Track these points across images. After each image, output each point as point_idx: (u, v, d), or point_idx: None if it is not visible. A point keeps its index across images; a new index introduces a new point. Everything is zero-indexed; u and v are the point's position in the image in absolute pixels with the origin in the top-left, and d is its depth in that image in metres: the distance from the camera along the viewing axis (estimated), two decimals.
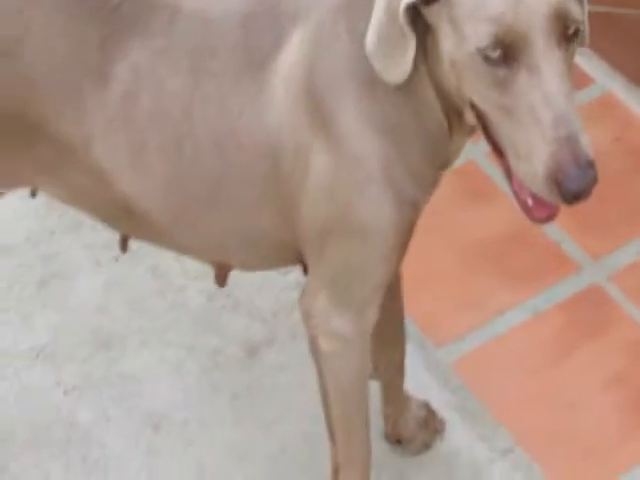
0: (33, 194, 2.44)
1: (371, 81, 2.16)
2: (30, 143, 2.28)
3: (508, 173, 2.08)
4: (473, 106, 2.09)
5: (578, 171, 1.94)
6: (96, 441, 2.88)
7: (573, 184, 1.93)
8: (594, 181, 1.96)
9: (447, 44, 2.05)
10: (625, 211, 3.32)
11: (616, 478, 2.87)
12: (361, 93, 2.18)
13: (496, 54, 1.96)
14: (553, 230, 3.25)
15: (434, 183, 2.31)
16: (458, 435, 2.90)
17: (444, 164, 2.29)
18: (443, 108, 2.19)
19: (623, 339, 3.08)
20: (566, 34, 1.97)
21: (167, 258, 2.76)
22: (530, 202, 2.08)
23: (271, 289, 2.87)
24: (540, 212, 2.09)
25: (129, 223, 2.42)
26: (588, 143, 1.96)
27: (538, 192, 2.00)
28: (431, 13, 2.04)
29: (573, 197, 1.95)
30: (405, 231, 2.29)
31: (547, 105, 1.95)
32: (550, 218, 2.10)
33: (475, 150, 2.77)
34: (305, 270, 2.42)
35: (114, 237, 2.51)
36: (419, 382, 2.93)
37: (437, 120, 2.20)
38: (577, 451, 2.90)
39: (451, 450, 2.87)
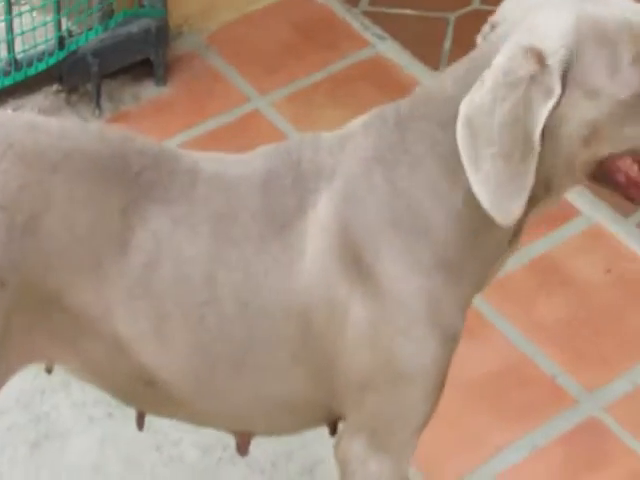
0: (49, 370, 2.43)
1: (419, 227, 2.21)
2: (46, 314, 2.27)
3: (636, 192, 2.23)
4: (605, 160, 2.18)
5: None
6: None
7: None
8: None
9: (584, 119, 2.11)
10: (618, 342, 3.37)
11: None
12: (405, 241, 2.21)
13: None
14: (548, 364, 3.30)
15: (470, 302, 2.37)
16: None
17: (487, 283, 2.38)
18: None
19: (623, 471, 3.11)
20: None
21: None
22: None
23: (267, 439, 2.90)
24: None
25: (147, 396, 2.42)
26: None
27: None
28: (556, 108, 2.11)
29: None
30: (447, 367, 2.33)
31: None
32: None
33: None
34: (332, 429, 2.46)
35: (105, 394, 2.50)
36: None
37: (504, 235, 2.26)
38: None
39: None
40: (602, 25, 2.11)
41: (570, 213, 3.59)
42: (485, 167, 2.10)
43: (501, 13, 2.20)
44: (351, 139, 2.29)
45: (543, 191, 2.21)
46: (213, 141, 3.59)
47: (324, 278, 2.24)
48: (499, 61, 2.08)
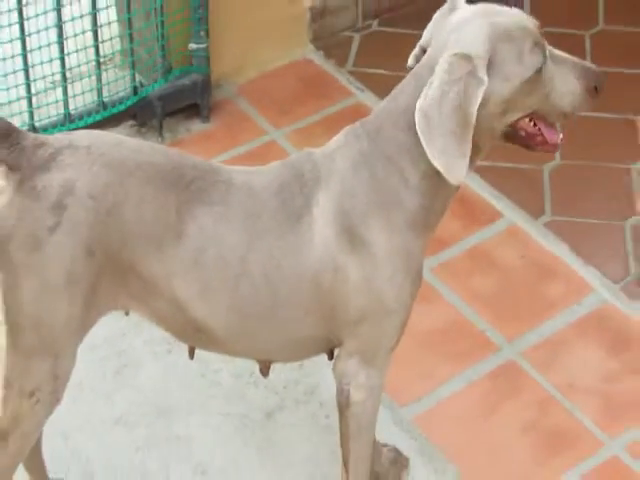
0: (126, 314, 2.43)
1: (392, 204, 2.29)
2: (125, 279, 2.28)
3: (537, 140, 2.36)
4: (513, 123, 2.30)
5: (596, 74, 2.30)
6: None
7: (601, 80, 2.29)
8: (604, 78, 2.30)
9: (502, 96, 2.22)
10: (530, 306, 3.38)
11: None
12: (384, 216, 2.28)
13: (543, 63, 2.24)
14: (479, 322, 3.32)
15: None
16: (418, 470, 2.92)
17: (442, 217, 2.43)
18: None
19: (533, 398, 3.13)
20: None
21: None
22: (559, 136, 2.37)
23: (280, 369, 2.91)
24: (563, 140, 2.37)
25: (197, 338, 2.42)
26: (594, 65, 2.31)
27: (581, 105, 2.31)
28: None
29: (601, 87, 2.29)
30: (416, 294, 2.41)
31: (566, 62, 2.29)
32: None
33: None
34: (330, 355, 2.48)
35: (167, 334, 2.51)
36: (389, 433, 2.96)
37: (449, 195, 2.36)
38: (505, 477, 2.95)
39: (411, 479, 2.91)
40: (507, 29, 2.22)
41: (495, 216, 3.60)
42: (438, 143, 2.16)
43: (426, 38, 2.33)
44: (338, 151, 2.33)
45: (474, 152, 2.24)
46: (242, 161, 3.58)
47: (328, 252, 2.28)
48: (441, 67, 2.17)
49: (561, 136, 2.35)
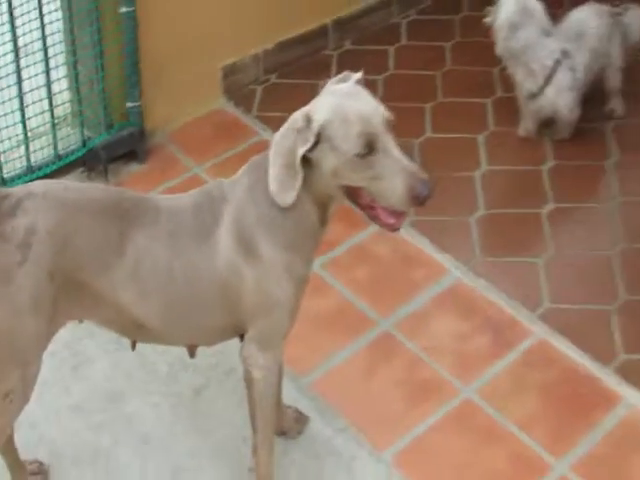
0: (81, 322, 2.44)
1: (274, 222, 2.27)
2: (79, 295, 2.29)
3: (374, 213, 2.23)
4: (347, 188, 2.21)
5: (424, 185, 2.13)
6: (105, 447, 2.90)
7: (423, 191, 2.12)
8: (431, 190, 2.13)
9: (330, 163, 2.16)
10: (398, 292, 3.41)
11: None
12: (269, 230, 2.28)
13: (365, 151, 2.12)
14: (360, 305, 3.34)
15: (312, 264, 2.42)
16: (316, 423, 2.95)
17: (317, 249, 2.39)
18: (317, 212, 2.29)
19: (404, 360, 3.16)
20: (391, 126, 2.17)
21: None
22: (392, 220, 2.22)
23: (205, 355, 2.89)
24: (399, 222, 2.24)
25: (138, 334, 2.44)
26: (424, 173, 2.15)
27: (401, 206, 2.17)
28: (315, 152, 2.16)
29: (424, 199, 2.14)
30: (301, 298, 2.41)
31: (398, 162, 2.13)
32: (402, 223, 2.26)
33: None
34: (241, 338, 2.48)
35: (114, 335, 2.52)
36: (292, 398, 2.97)
37: (314, 223, 2.30)
38: (384, 422, 2.98)
39: (311, 432, 2.94)
40: (346, 112, 2.16)
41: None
42: (274, 172, 2.19)
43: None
44: (239, 180, 2.35)
45: (326, 197, 2.27)
46: (172, 192, 3.44)
47: (231, 259, 2.31)
48: (291, 118, 2.20)
49: (393, 221, 2.23)
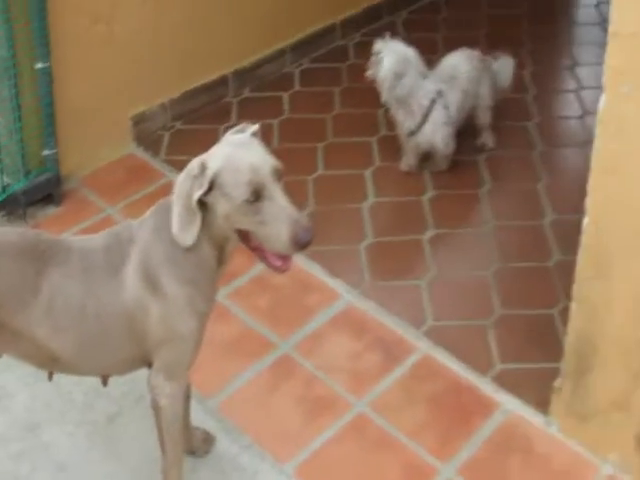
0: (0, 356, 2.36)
1: (177, 260, 2.22)
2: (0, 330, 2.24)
3: (263, 256, 2.20)
4: (239, 232, 2.17)
5: (306, 232, 2.09)
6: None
7: (305, 237, 2.09)
8: (313, 237, 2.10)
9: (222, 208, 2.12)
10: (297, 312, 3.35)
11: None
12: (172, 268, 2.23)
13: (252, 198, 2.09)
14: (261, 329, 3.27)
15: (214, 298, 2.37)
16: (223, 442, 2.86)
17: (217, 285, 2.35)
18: (215, 252, 2.24)
19: (303, 379, 3.09)
20: (279, 176, 2.14)
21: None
22: (279, 263, 2.19)
23: (118, 384, 2.78)
24: (285, 264, 2.20)
25: (54, 366, 2.37)
26: (307, 220, 2.12)
27: (285, 251, 2.13)
28: (209, 197, 2.13)
29: (305, 245, 2.11)
30: (203, 331, 2.35)
31: (283, 210, 2.09)
32: (289, 266, 2.22)
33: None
34: (150, 367, 2.41)
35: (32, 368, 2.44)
36: (200, 420, 2.88)
37: (213, 262, 2.25)
38: (284, 437, 2.91)
39: (218, 451, 2.85)
40: (237, 160, 2.14)
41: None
42: (176, 213, 2.15)
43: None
44: (146, 220, 2.29)
45: (222, 238, 2.23)
46: (87, 233, 3.42)
47: (137, 294, 2.25)
48: (189, 165, 2.17)
49: (279, 264, 2.20)
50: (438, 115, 3.87)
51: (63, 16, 3.70)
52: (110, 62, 4.02)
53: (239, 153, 2.17)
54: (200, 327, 2.33)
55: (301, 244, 2.11)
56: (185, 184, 2.16)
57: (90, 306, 2.25)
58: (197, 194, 2.13)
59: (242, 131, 2.29)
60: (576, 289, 2.63)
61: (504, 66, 4.19)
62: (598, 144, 2.38)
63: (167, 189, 2.27)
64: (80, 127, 3.97)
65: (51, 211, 3.87)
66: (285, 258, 2.21)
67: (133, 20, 4.04)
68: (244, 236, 2.21)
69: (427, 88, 3.85)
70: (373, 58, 3.82)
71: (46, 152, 3.83)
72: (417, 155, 4.03)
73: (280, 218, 2.10)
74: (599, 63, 2.30)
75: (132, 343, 2.32)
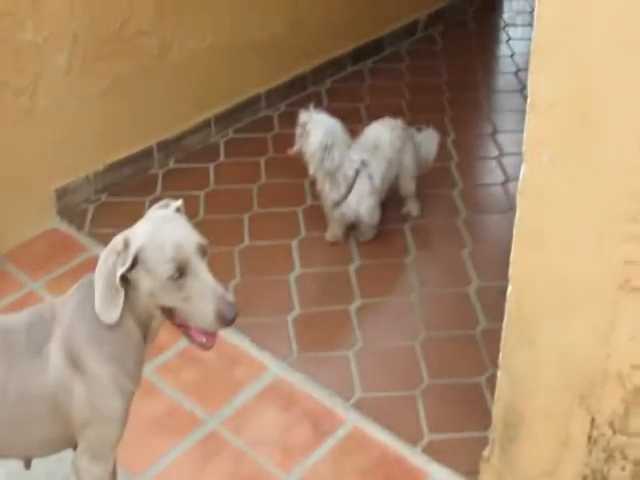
0: None
1: (101, 338, 2.20)
2: None
3: (188, 333, 2.19)
4: (163, 308, 2.15)
5: (231, 308, 2.08)
6: None
7: (230, 314, 2.08)
8: (237, 313, 2.09)
9: (146, 284, 2.11)
10: (225, 386, 3.30)
11: None
12: (96, 346, 2.20)
13: (176, 275, 2.08)
14: (188, 404, 3.22)
15: (140, 376, 2.32)
16: None
17: (143, 363, 2.32)
18: (140, 330, 2.22)
19: (230, 455, 3.02)
20: (204, 252, 2.14)
21: None
22: (204, 339, 2.18)
23: (44, 463, 2.65)
24: (210, 341, 2.19)
25: None
26: (231, 296, 2.14)
27: (210, 327, 2.13)
28: (133, 273, 2.12)
29: (230, 321, 2.10)
30: (128, 410, 2.31)
31: (207, 286, 2.10)
32: (214, 342, 2.21)
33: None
34: (75, 448, 2.37)
35: None
36: None
37: (138, 340, 2.23)
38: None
39: None
40: (160, 236, 2.13)
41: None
42: (98, 291, 2.13)
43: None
44: (70, 297, 2.27)
45: (146, 315, 2.21)
46: (9, 309, 3.50)
47: (60, 374, 2.21)
48: (112, 241, 2.16)
49: (204, 340, 2.20)
50: (362, 185, 3.89)
51: None
52: (33, 134, 3.99)
53: (163, 229, 2.16)
54: (125, 406, 2.32)
55: (226, 321, 2.11)
56: (108, 261, 2.15)
57: (11, 386, 2.20)
58: (120, 270, 2.12)
59: (166, 206, 2.29)
60: (502, 357, 2.64)
61: (428, 139, 4.24)
62: (520, 214, 2.41)
63: (92, 263, 2.24)
64: (2, 200, 3.94)
65: None
66: (210, 334, 2.20)
67: (57, 92, 4.03)
68: (168, 313, 2.20)
69: (352, 158, 3.88)
70: (299, 131, 3.83)
71: None
72: (343, 225, 4.04)
73: (205, 295, 2.10)
74: (520, 130, 2.33)
75: (56, 424, 2.27)
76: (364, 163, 3.90)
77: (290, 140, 3.90)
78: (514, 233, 2.47)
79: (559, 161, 2.30)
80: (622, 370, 2.39)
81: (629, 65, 2.03)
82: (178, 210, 2.28)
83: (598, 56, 2.06)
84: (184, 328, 2.21)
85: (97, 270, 2.18)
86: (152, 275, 2.11)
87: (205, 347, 2.22)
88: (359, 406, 3.23)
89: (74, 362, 2.22)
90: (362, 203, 3.91)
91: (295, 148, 3.85)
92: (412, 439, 3.10)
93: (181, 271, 2.09)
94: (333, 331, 3.60)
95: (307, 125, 3.80)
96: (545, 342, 2.52)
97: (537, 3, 2.11)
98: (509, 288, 2.53)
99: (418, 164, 4.15)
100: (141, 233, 2.16)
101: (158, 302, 2.17)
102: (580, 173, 2.23)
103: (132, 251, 2.12)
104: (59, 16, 3.90)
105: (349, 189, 3.88)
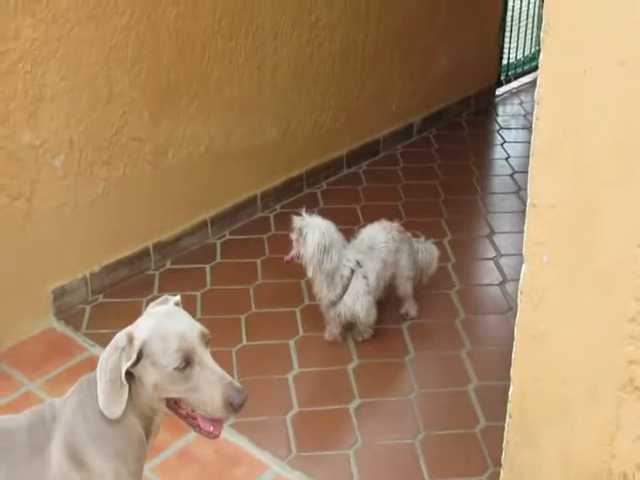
0: None
1: (103, 435, 2.21)
2: None
3: (195, 423, 2.22)
4: (168, 401, 2.19)
5: (239, 394, 2.13)
6: None
7: (238, 400, 2.13)
8: (245, 397, 2.14)
9: (151, 378, 2.15)
10: None
11: None
12: (98, 443, 2.21)
13: (183, 365, 2.13)
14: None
15: (141, 475, 2.31)
16: None
17: (144, 460, 2.32)
18: (142, 425, 2.24)
19: None
20: (207, 341, 2.19)
21: None
22: (211, 428, 2.22)
23: None
24: (217, 429, 2.23)
25: None
26: (238, 382, 2.17)
27: (218, 414, 2.17)
28: (137, 367, 2.16)
29: (239, 407, 2.14)
30: None
31: (214, 374, 2.14)
32: (221, 431, 2.24)
33: None
34: None
35: None
36: None
37: (140, 435, 2.24)
38: None
39: None
40: (164, 329, 2.18)
41: None
42: (102, 387, 2.17)
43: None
44: (69, 398, 2.29)
45: (149, 409, 2.25)
46: (7, 410, 3.44)
47: (62, 473, 2.22)
48: (115, 337, 2.21)
49: (212, 429, 2.23)
50: (357, 285, 3.96)
51: None
52: (30, 236, 4.06)
53: (165, 322, 2.21)
54: None
55: (235, 406, 2.15)
56: (111, 357, 2.18)
57: None
58: (125, 365, 2.16)
59: (165, 302, 2.34)
60: (504, 457, 2.65)
61: (428, 252, 4.31)
62: (521, 314, 2.44)
63: (89, 363, 2.29)
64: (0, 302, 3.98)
65: None
66: (217, 423, 2.24)
67: (53, 195, 4.11)
68: (173, 405, 2.24)
69: (347, 258, 3.95)
70: (295, 236, 3.91)
71: None
72: (339, 325, 4.09)
73: (212, 382, 2.15)
74: (517, 231, 2.39)
75: None
76: (359, 263, 3.97)
77: (286, 241, 3.99)
78: (515, 333, 2.50)
79: (559, 261, 2.34)
80: (627, 470, 2.40)
81: (630, 168, 2.09)
82: (177, 304, 2.33)
83: (598, 158, 2.11)
84: (190, 419, 2.24)
85: (99, 368, 2.21)
86: (158, 368, 2.15)
87: (212, 436, 2.25)
88: None
89: (76, 460, 2.23)
90: (357, 302, 3.97)
91: (292, 253, 3.93)
92: None
93: (187, 361, 2.14)
94: (332, 430, 3.62)
95: (303, 229, 3.88)
96: (548, 442, 2.53)
97: (536, 105, 2.18)
98: (511, 388, 2.55)
99: (415, 268, 4.22)
100: (144, 328, 2.21)
101: (163, 395, 2.21)
102: (580, 273, 2.27)
103: (137, 345, 2.16)
104: (55, 122, 4.01)
105: (344, 289, 3.95)
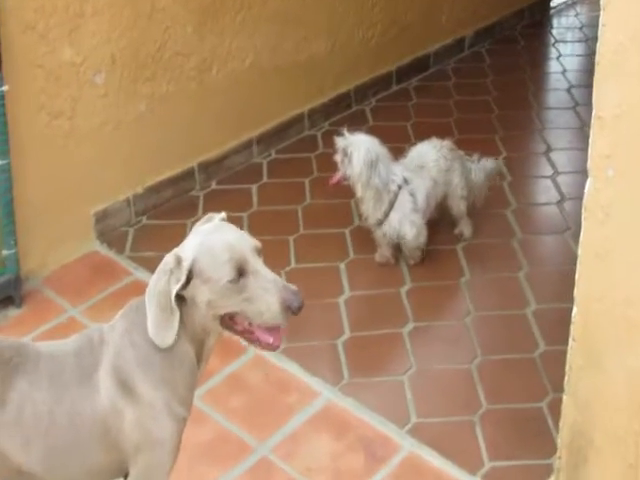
0: None
1: (152, 362, 2.22)
2: None
3: (253, 337, 2.22)
4: (223, 318, 2.18)
5: (295, 296, 2.12)
6: None
7: (296, 303, 2.11)
8: (303, 301, 2.13)
9: (204, 296, 2.14)
10: (275, 412, 3.33)
11: None
12: (147, 371, 2.22)
13: (236, 276, 2.11)
14: (237, 430, 3.25)
15: (192, 403, 2.34)
16: None
17: (195, 388, 2.34)
18: (194, 350, 2.24)
19: None
20: (258, 251, 2.17)
21: None
22: (271, 339, 2.21)
23: None
24: (277, 340, 2.22)
25: (19, 477, 2.31)
26: (294, 287, 2.15)
27: (277, 320, 2.15)
28: (188, 289, 2.15)
29: (297, 310, 2.12)
30: (181, 435, 2.32)
31: (269, 281, 2.12)
32: (280, 341, 2.23)
33: None
34: (125, 477, 2.36)
35: None
36: None
37: (191, 361, 2.25)
38: None
39: None
40: (212, 243, 2.16)
41: (241, 349, 3.52)
42: (151, 314, 2.16)
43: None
44: (117, 322, 2.29)
45: (202, 331, 2.24)
46: (50, 336, 3.50)
47: (110, 399, 2.23)
48: (162, 261, 2.19)
49: (271, 340, 2.22)
50: (404, 202, 3.92)
51: (23, 112, 3.75)
52: (71, 157, 4.06)
53: (212, 237, 2.20)
54: (178, 431, 2.32)
55: (293, 309, 2.14)
56: (160, 281, 2.17)
57: (60, 414, 2.22)
58: (175, 288, 2.15)
59: (209, 220, 2.32)
60: (567, 381, 2.63)
61: (480, 170, 4.24)
62: (585, 231, 2.40)
63: (133, 287, 2.29)
64: (41, 225, 3.99)
65: (11, 314, 3.85)
66: (275, 333, 2.22)
67: (95, 114, 4.10)
68: (228, 322, 2.23)
69: (395, 173, 3.91)
70: (339, 157, 3.87)
71: (5, 252, 3.81)
72: (390, 246, 4.06)
73: (267, 289, 2.13)
74: (574, 148, 2.34)
75: (106, 451, 2.28)
76: (406, 180, 3.93)
77: (334, 160, 3.95)
78: (579, 251, 2.47)
79: (625, 175, 2.29)
80: None
81: None
82: (223, 220, 2.31)
83: None
84: (247, 333, 2.23)
85: (147, 293, 2.20)
86: (210, 284, 2.14)
87: (273, 347, 2.24)
88: (414, 432, 3.24)
89: (125, 387, 2.24)
90: (404, 221, 3.94)
91: (337, 176, 3.91)
92: (471, 467, 3.10)
93: (240, 271, 2.12)
94: (385, 355, 3.62)
95: (347, 148, 3.84)
96: (612, 364, 2.51)
97: (602, 11, 2.12)
98: (574, 310, 2.53)
99: (469, 188, 4.17)
100: (191, 247, 2.19)
101: (218, 312, 2.20)
102: None
103: (185, 265, 2.15)
104: (97, 39, 3.98)
105: (391, 205, 3.91)
